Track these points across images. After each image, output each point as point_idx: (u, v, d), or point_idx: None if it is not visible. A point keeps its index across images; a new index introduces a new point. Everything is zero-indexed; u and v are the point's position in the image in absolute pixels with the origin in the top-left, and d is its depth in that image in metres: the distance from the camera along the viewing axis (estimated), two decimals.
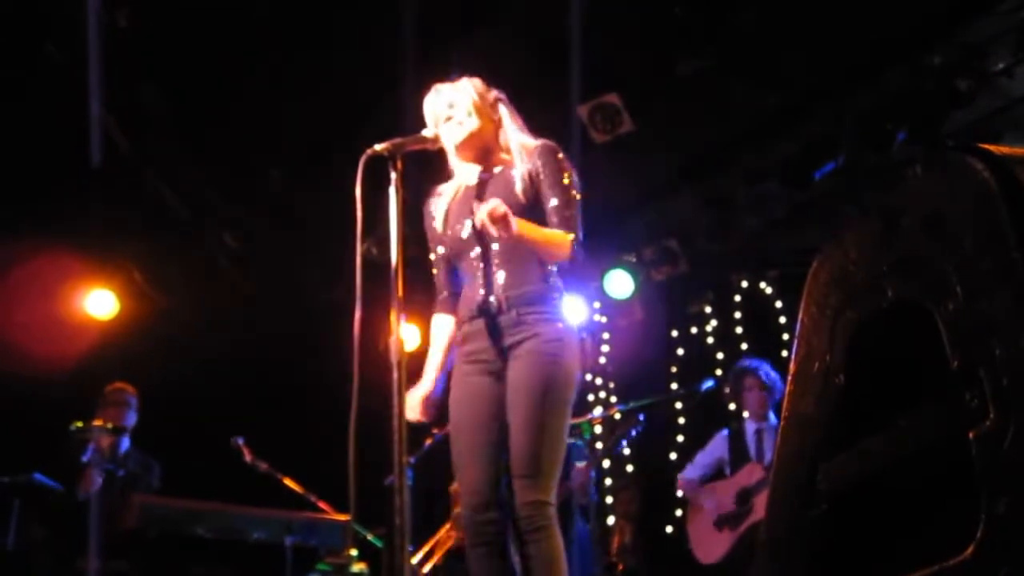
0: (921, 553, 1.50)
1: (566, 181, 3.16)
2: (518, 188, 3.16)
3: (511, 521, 2.96)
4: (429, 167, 3.40)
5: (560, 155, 3.22)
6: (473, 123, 3.24)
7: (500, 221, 2.85)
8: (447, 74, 3.34)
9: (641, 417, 5.73)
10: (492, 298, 3.12)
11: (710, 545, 5.93)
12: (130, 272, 7.24)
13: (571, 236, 3.07)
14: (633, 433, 5.88)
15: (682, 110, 6.16)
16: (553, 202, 3.13)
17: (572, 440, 5.49)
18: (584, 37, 5.35)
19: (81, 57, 5.61)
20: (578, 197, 3.16)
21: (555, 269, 3.18)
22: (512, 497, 2.95)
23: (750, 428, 6.11)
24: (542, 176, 3.16)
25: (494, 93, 3.34)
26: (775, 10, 5.56)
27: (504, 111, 3.31)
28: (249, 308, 7.45)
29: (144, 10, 5.65)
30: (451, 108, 3.25)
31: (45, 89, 6.01)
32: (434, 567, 5.27)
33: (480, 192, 3.24)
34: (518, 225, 2.89)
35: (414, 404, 3.21)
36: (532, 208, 3.13)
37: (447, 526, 5.34)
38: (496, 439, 3.03)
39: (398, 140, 2.99)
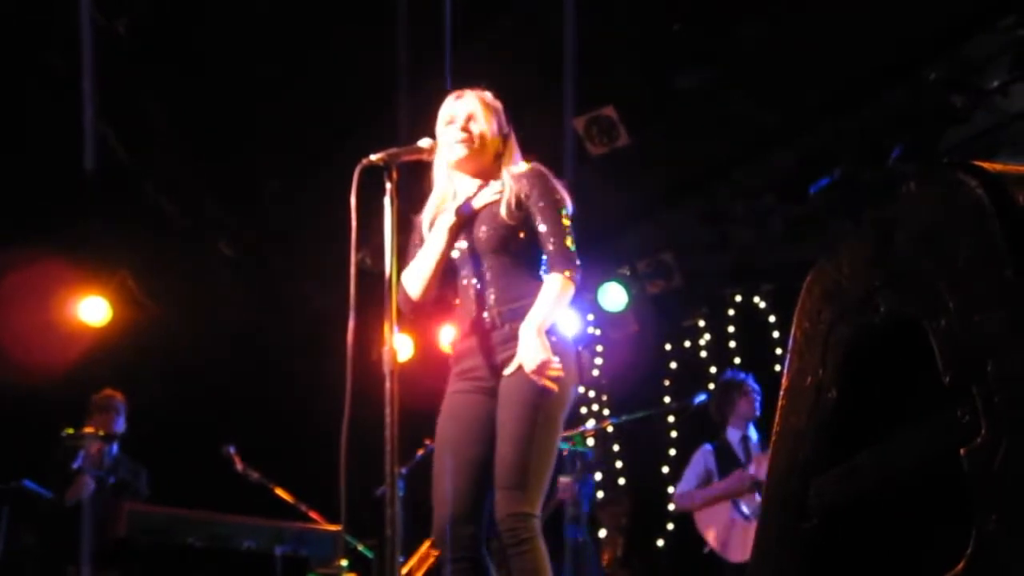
0: (913, 568, 1.50)
1: (555, 206, 3.13)
2: (503, 211, 3.14)
3: (491, 537, 2.92)
4: (424, 178, 3.40)
5: (550, 178, 3.19)
6: (478, 144, 3.22)
7: (542, 368, 2.90)
8: (442, 85, 3.33)
9: None
10: (485, 315, 3.12)
11: (741, 542, 5.82)
12: (124, 279, 7.23)
13: (568, 273, 3.05)
14: None
15: (678, 124, 6.16)
16: (543, 228, 3.11)
17: (581, 448, 5.48)
18: (581, 49, 5.35)
19: (79, 65, 5.61)
20: (567, 222, 3.13)
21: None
22: (494, 511, 2.90)
23: (734, 437, 6.14)
24: (531, 199, 3.14)
25: (506, 128, 3.32)
26: (773, 25, 5.57)
27: (510, 144, 3.31)
28: (242, 317, 7.44)
29: (143, 18, 5.65)
30: (469, 119, 3.23)
31: (41, 96, 6.01)
32: None
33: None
34: (538, 336, 2.93)
35: None
36: (520, 229, 3.14)
37: (429, 541, 5.24)
38: (480, 458, 2.99)
39: (393, 150, 3.00)
